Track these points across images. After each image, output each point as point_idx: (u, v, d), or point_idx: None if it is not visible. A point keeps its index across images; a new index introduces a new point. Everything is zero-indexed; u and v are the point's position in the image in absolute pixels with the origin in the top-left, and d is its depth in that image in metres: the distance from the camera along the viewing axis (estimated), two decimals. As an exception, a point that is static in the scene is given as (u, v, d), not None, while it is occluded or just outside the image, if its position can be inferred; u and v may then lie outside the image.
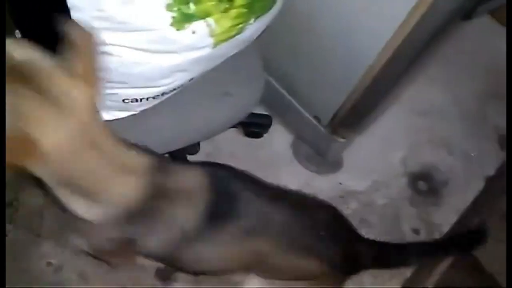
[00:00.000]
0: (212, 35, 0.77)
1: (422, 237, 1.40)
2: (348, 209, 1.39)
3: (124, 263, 1.06)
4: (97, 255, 0.93)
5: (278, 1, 0.86)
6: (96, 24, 0.67)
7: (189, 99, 0.96)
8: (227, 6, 0.72)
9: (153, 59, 0.77)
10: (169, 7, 0.68)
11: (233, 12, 0.75)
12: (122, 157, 0.70)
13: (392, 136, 1.53)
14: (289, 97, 1.35)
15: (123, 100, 0.87)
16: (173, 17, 0.70)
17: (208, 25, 0.75)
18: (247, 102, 1.02)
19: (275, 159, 1.47)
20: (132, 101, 0.88)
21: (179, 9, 0.69)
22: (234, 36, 0.82)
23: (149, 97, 0.89)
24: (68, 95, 0.59)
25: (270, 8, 0.82)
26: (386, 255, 1.01)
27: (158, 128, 0.97)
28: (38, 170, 0.62)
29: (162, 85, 0.87)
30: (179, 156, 1.24)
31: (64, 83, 0.59)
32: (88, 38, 0.61)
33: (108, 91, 0.84)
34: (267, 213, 0.84)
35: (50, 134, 0.58)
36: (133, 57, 0.76)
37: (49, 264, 1.21)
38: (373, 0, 0.97)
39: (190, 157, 1.32)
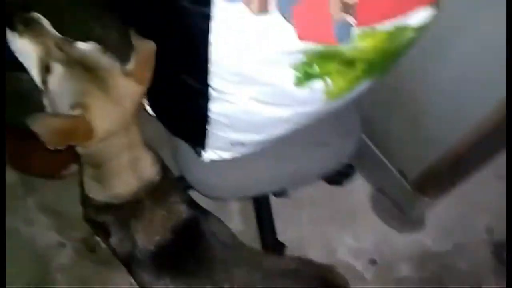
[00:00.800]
0: (326, 93, 0.81)
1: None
2: (427, 271, 1.34)
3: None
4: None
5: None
6: (228, 77, 0.73)
7: (288, 146, 1.00)
8: (347, 69, 0.76)
9: (266, 110, 0.82)
10: (295, 67, 0.72)
11: (351, 74, 0.78)
12: (141, 158, 0.84)
13: (479, 200, 1.47)
14: (375, 148, 1.35)
15: (231, 143, 0.93)
16: (297, 76, 0.74)
17: (326, 84, 0.78)
18: (343, 153, 1.04)
19: (353, 209, 1.46)
20: (238, 145, 0.93)
21: (303, 69, 0.73)
22: (345, 94, 0.85)
23: (254, 143, 0.94)
24: (119, 89, 0.74)
25: (385, 74, 0.85)
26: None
27: (255, 171, 1.02)
28: (84, 149, 0.78)
29: (268, 133, 0.91)
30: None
31: (119, 78, 0.74)
32: (149, 49, 0.76)
33: (220, 133, 0.90)
34: (223, 278, 0.85)
35: (103, 119, 0.72)
36: (249, 106, 0.81)
37: (132, 284, 1.27)
38: (480, 68, 0.97)
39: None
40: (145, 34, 0.82)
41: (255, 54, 0.69)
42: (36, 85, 0.91)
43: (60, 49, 0.75)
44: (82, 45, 0.76)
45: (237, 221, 1.40)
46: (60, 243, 1.30)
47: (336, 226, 1.44)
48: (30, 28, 0.75)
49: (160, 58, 0.83)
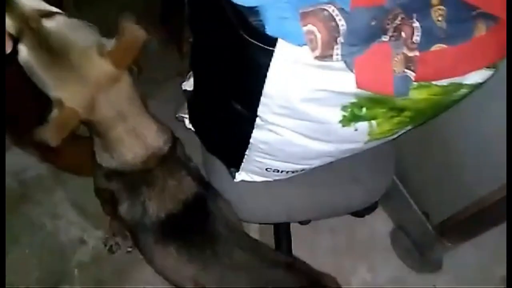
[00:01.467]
0: (369, 134, 0.82)
1: None
2: (439, 315, 1.33)
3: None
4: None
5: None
6: (276, 110, 0.75)
7: (321, 178, 1.01)
8: (394, 114, 0.77)
9: (309, 143, 0.83)
10: (344, 108, 0.74)
11: (397, 119, 0.79)
12: (142, 128, 0.85)
13: (499, 250, 1.45)
14: (402, 187, 1.36)
15: (266, 169, 0.94)
16: (344, 116, 0.75)
17: (370, 126, 0.80)
18: (374, 192, 1.05)
19: (372, 243, 1.46)
20: (273, 171, 0.95)
21: (351, 110, 0.75)
22: (387, 137, 0.86)
23: (289, 171, 0.95)
24: (92, 69, 0.74)
25: (428, 121, 0.86)
26: None
27: (285, 198, 1.03)
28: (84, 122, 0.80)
29: (306, 165, 0.93)
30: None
31: (93, 58, 0.74)
32: (137, 36, 0.74)
33: (257, 158, 0.91)
34: (224, 254, 0.88)
35: (73, 98, 0.74)
36: (293, 138, 0.82)
37: (145, 291, 1.29)
38: None
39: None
40: (207, 54, 0.85)
41: (308, 92, 0.70)
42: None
43: (30, 27, 0.72)
44: (48, 22, 0.73)
45: (254, 236, 1.41)
46: (82, 240, 1.32)
47: (353, 257, 1.44)
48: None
49: (214, 80, 0.86)
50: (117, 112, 0.81)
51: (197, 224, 0.91)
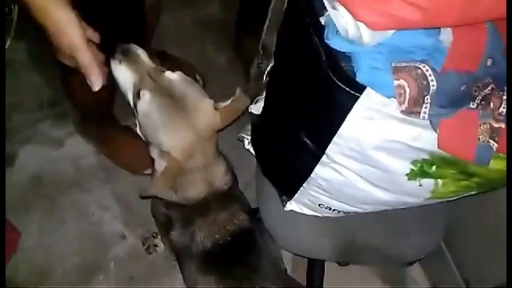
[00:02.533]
0: (433, 192, 0.82)
1: None
2: None
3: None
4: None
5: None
6: (346, 151, 0.76)
7: (369, 223, 1.01)
8: (463, 178, 0.77)
9: (370, 189, 0.84)
10: (414, 162, 0.75)
11: (464, 183, 0.79)
12: (213, 174, 0.93)
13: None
14: (445, 248, 1.33)
15: (319, 204, 0.95)
16: (412, 170, 0.76)
17: (436, 184, 0.80)
18: (421, 248, 1.03)
19: (403, 297, 1.43)
20: (326, 208, 0.96)
21: (421, 166, 0.75)
22: (448, 197, 0.86)
23: (341, 211, 0.96)
24: (203, 117, 0.85)
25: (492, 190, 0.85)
26: None
27: (332, 236, 1.03)
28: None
29: (360, 208, 0.93)
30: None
31: (208, 108, 0.85)
32: (244, 101, 0.92)
33: (313, 193, 0.93)
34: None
35: (185, 150, 0.83)
36: (355, 181, 0.83)
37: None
38: None
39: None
40: (286, 84, 0.88)
41: (383, 141, 0.71)
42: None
43: (151, 77, 0.84)
44: (169, 73, 0.85)
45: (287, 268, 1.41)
46: (123, 235, 1.37)
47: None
48: (127, 57, 0.86)
49: (288, 110, 0.89)
50: (205, 161, 0.89)
51: (241, 255, 0.94)
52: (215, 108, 0.86)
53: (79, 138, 1.48)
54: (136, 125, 0.90)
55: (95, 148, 1.46)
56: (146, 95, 0.82)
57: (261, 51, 1.20)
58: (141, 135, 0.90)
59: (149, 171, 1.39)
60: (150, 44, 1.44)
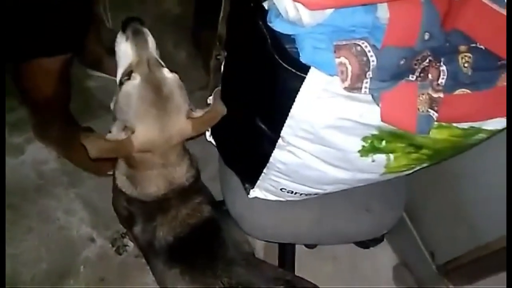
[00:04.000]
0: (386, 166, 0.85)
1: None
2: None
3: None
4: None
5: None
6: (299, 133, 0.78)
7: (333, 204, 1.04)
8: (412, 151, 0.79)
9: (326, 169, 0.86)
10: (364, 139, 0.77)
11: (414, 156, 0.82)
12: (174, 172, 0.93)
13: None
14: (410, 223, 1.37)
15: (281, 189, 0.97)
16: (363, 146, 0.78)
17: (388, 159, 0.82)
18: (383, 223, 1.06)
19: (374, 276, 1.47)
20: (288, 192, 0.97)
21: (371, 142, 0.77)
22: (402, 171, 0.89)
23: (303, 194, 0.98)
24: (176, 125, 0.85)
25: (443, 161, 0.88)
26: None
27: (295, 219, 1.05)
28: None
29: (320, 189, 0.95)
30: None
31: (181, 117, 0.85)
32: (220, 112, 0.88)
33: (273, 178, 0.94)
34: (224, 273, 0.91)
35: (145, 143, 0.83)
36: (312, 162, 0.85)
37: (148, 294, 1.31)
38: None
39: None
40: (238, 73, 0.89)
41: (332, 119, 0.73)
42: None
43: (149, 66, 0.84)
44: (167, 72, 0.85)
45: (259, 256, 1.42)
46: (91, 238, 1.35)
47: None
48: (137, 37, 0.86)
49: (242, 97, 0.90)
50: (164, 161, 0.89)
51: (203, 246, 0.95)
52: (189, 117, 0.86)
53: (39, 144, 1.45)
54: (113, 100, 0.89)
55: (56, 152, 1.44)
56: (137, 79, 0.82)
57: (218, 43, 1.20)
58: (112, 109, 0.89)
59: (112, 171, 1.39)
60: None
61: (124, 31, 0.87)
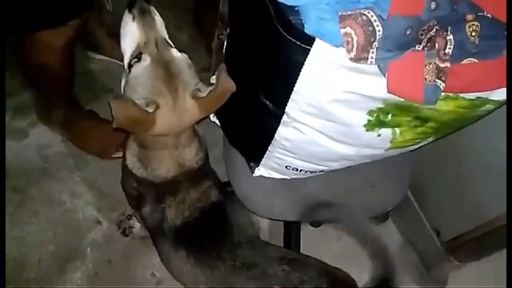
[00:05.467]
0: (391, 141, 0.84)
1: None
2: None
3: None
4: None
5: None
6: (304, 108, 0.77)
7: (337, 180, 1.04)
8: (418, 124, 0.79)
9: (331, 145, 0.86)
10: (370, 112, 0.76)
11: (420, 129, 0.81)
12: (184, 154, 0.92)
13: (500, 276, 1.45)
14: (414, 201, 1.37)
15: (286, 166, 0.97)
16: (369, 120, 0.78)
17: (393, 133, 0.82)
18: (388, 200, 1.07)
19: (379, 254, 1.47)
20: (293, 169, 0.97)
21: (377, 116, 0.77)
22: (408, 146, 0.88)
23: (308, 171, 0.98)
24: (184, 105, 0.82)
25: (450, 134, 0.88)
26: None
27: (300, 196, 1.05)
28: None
29: (326, 166, 0.95)
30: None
31: (187, 97, 0.82)
32: (229, 88, 0.83)
33: (278, 155, 0.94)
34: (228, 254, 0.91)
35: (163, 122, 0.81)
36: (317, 138, 0.85)
37: (153, 275, 1.31)
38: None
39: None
40: (242, 48, 0.88)
41: (338, 93, 0.73)
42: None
43: (157, 46, 0.82)
44: (175, 51, 0.84)
45: (264, 238, 1.43)
46: (97, 220, 1.36)
47: (358, 266, 1.44)
48: (143, 16, 0.84)
49: (245, 74, 0.89)
50: (175, 141, 0.88)
51: (209, 230, 0.95)
52: (194, 97, 0.82)
53: (43, 127, 1.44)
54: (122, 82, 0.88)
55: (60, 135, 1.44)
56: (146, 60, 0.81)
57: (220, 22, 1.19)
58: (123, 92, 0.87)
59: (117, 154, 1.39)
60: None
61: (130, 10, 0.84)
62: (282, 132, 0.86)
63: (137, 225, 1.32)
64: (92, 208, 1.37)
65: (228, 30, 1.02)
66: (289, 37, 0.67)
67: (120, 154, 1.37)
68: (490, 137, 1.04)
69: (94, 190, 1.39)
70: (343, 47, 0.64)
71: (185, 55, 0.85)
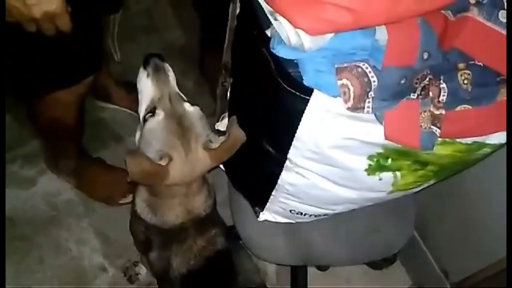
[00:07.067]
0: (393, 184, 0.85)
1: None
2: None
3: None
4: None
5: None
6: (306, 154, 0.79)
7: (342, 224, 1.04)
8: (418, 168, 0.80)
9: (334, 189, 0.87)
10: (370, 157, 0.78)
11: (421, 172, 0.82)
12: (194, 201, 0.94)
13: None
14: (422, 242, 1.36)
15: (290, 211, 0.98)
16: (370, 165, 0.80)
17: (395, 177, 0.83)
18: (393, 243, 1.06)
19: (388, 298, 1.45)
20: (297, 213, 0.98)
21: (377, 160, 0.79)
22: (410, 189, 0.89)
23: (312, 215, 0.99)
24: (196, 156, 0.85)
25: (451, 176, 0.89)
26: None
27: (306, 241, 1.06)
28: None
29: (329, 209, 0.96)
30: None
31: (199, 148, 0.85)
32: (239, 139, 0.86)
33: (282, 200, 0.95)
34: None
35: (176, 173, 0.83)
36: (319, 183, 0.86)
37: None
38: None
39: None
40: (244, 98, 0.92)
41: (337, 139, 0.75)
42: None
43: (170, 100, 0.86)
44: (188, 105, 0.88)
45: (271, 282, 1.41)
46: (103, 267, 1.36)
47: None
48: (158, 73, 0.88)
49: (248, 122, 0.92)
50: (186, 190, 0.91)
51: (215, 278, 0.97)
52: (206, 148, 0.86)
53: (52, 175, 1.47)
54: (136, 135, 0.91)
55: (69, 183, 1.46)
56: (160, 115, 0.84)
57: (224, 71, 1.24)
58: (138, 144, 0.90)
59: (124, 200, 1.40)
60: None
61: (145, 67, 0.89)
62: (285, 177, 0.88)
63: (143, 271, 1.32)
64: (98, 255, 1.37)
65: (231, 79, 1.07)
66: (289, 88, 0.70)
67: (127, 200, 1.40)
68: (495, 178, 1.05)
69: (101, 237, 1.40)
70: (341, 97, 0.67)
71: (197, 108, 0.88)
